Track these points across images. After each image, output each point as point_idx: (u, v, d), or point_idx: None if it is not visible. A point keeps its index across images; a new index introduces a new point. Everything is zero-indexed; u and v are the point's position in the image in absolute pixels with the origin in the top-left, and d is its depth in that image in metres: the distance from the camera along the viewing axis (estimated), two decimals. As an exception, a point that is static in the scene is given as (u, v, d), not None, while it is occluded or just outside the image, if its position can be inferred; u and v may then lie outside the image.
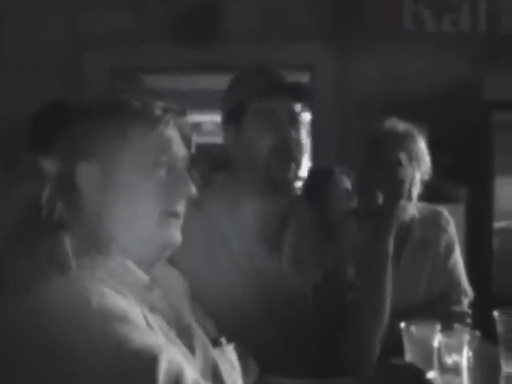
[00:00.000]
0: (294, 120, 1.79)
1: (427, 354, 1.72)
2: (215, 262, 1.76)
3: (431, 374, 1.63)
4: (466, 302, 2.33)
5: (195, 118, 9.34)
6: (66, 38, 4.25)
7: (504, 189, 3.83)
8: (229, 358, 1.43)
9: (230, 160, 1.87)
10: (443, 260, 2.33)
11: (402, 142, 2.22)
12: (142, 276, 1.27)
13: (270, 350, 1.67)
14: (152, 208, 1.27)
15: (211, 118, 9.35)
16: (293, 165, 1.78)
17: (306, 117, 1.86)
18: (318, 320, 1.78)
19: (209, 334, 1.42)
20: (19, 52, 4.24)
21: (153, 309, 1.25)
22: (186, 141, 1.38)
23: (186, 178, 1.31)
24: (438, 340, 1.75)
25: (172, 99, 1.37)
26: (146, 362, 1.09)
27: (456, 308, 2.28)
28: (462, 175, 3.90)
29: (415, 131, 2.30)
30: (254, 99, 1.77)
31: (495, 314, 1.75)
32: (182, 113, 1.36)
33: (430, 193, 3.61)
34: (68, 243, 1.20)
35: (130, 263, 1.26)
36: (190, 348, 1.31)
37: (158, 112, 1.30)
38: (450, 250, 2.34)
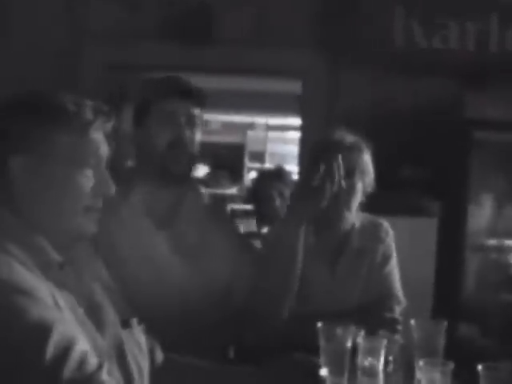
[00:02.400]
0: (191, 122, 2.07)
1: (340, 355, 1.81)
2: (120, 244, 1.98)
3: (323, 371, 1.72)
4: (397, 309, 2.41)
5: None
6: (64, 33, 4.35)
7: (477, 205, 3.89)
8: (136, 340, 1.56)
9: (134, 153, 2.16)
10: (378, 269, 2.42)
11: (347, 152, 2.30)
12: (56, 256, 1.41)
13: (169, 326, 1.83)
14: (76, 202, 1.43)
15: (217, 118, 9.52)
16: (186, 159, 2.05)
17: (202, 118, 2.14)
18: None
19: (121, 315, 1.55)
20: (23, 45, 4.35)
21: (62, 286, 1.39)
22: (109, 141, 1.52)
23: (108, 179, 1.48)
24: (351, 342, 1.84)
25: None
26: (39, 333, 1.21)
27: (387, 314, 2.37)
28: (438, 190, 3.97)
29: (362, 144, 2.39)
30: (157, 101, 2.05)
31: (412, 321, 1.83)
32: (110, 115, 1.50)
33: (404, 205, 3.71)
34: None
35: (46, 244, 1.40)
36: (98, 326, 1.44)
37: (89, 116, 1.45)
38: (386, 259, 2.43)
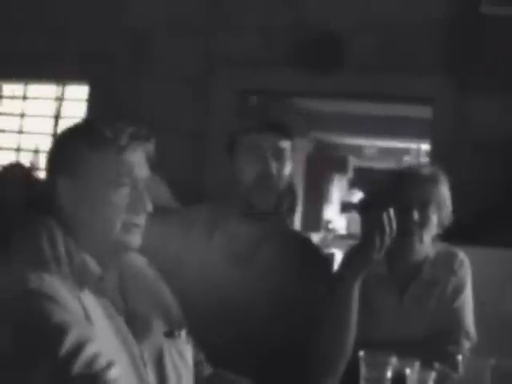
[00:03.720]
0: (278, 155, 2.01)
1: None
2: (191, 269, 1.99)
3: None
4: (466, 344, 2.33)
5: (356, 141, 9.52)
6: (200, 60, 4.56)
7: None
8: (179, 350, 1.66)
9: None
10: (449, 301, 2.36)
11: (421, 184, 2.30)
12: (96, 269, 1.55)
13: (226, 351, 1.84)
14: (113, 219, 1.57)
15: (373, 143, 9.52)
16: (273, 195, 2.00)
17: (289, 151, 2.06)
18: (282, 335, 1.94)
19: (169, 323, 1.68)
20: (163, 69, 4.62)
21: (102, 295, 1.54)
22: (150, 162, 1.67)
23: (144, 198, 1.60)
24: (395, 372, 1.83)
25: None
26: (57, 332, 1.37)
27: (451, 348, 2.29)
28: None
29: (439, 175, 2.36)
30: (243, 134, 2.03)
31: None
32: (148, 138, 1.64)
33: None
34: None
35: (87, 257, 1.55)
36: (136, 333, 1.57)
37: (123, 141, 1.58)
38: (457, 292, 2.37)
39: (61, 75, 4.19)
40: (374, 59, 4.34)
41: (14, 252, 1.51)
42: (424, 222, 2.29)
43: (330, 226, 9.59)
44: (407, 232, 2.23)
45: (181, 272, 1.91)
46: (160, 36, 4.61)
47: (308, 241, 2.28)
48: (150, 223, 1.65)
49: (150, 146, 1.65)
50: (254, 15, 4.51)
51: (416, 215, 2.25)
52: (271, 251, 2.06)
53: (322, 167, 9.26)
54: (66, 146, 1.62)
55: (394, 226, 1.89)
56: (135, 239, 1.60)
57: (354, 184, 9.84)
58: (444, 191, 2.35)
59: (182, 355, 1.67)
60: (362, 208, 3.75)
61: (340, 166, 9.65)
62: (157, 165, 4.02)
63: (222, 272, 1.99)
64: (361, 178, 9.61)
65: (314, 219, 9.12)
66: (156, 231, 1.82)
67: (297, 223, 8.35)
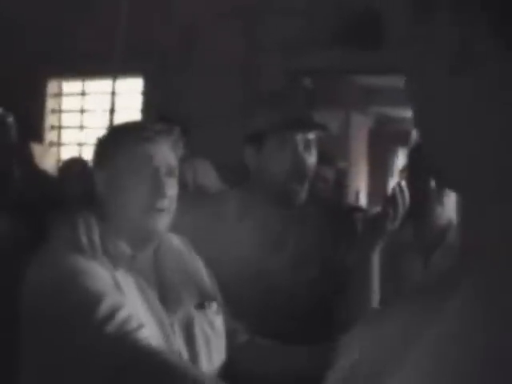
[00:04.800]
0: (308, 146, 2.08)
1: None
2: (226, 252, 2.06)
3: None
4: None
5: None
6: (244, 44, 4.68)
7: None
8: (210, 320, 1.82)
9: (248, 173, 2.19)
10: None
11: None
12: (126, 249, 1.73)
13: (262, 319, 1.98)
14: (140, 203, 1.72)
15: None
16: (305, 186, 2.08)
17: (314, 139, 2.11)
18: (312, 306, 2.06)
19: (201, 296, 1.83)
20: (206, 57, 4.76)
21: (134, 271, 1.71)
22: (176, 153, 1.81)
23: (163, 184, 1.74)
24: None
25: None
26: (93, 298, 1.56)
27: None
28: None
29: None
30: (274, 129, 2.07)
31: None
32: (170, 132, 1.79)
33: None
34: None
35: (119, 241, 1.72)
36: (166, 304, 1.73)
37: (144, 134, 1.75)
38: None
39: (115, 70, 4.36)
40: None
41: (55, 239, 1.69)
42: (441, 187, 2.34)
43: (397, 198, 9.56)
44: (427, 196, 2.31)
45: (217, 262, 1.97)
46: (207, 25, 4.74)
47: (340, 214, 2.36)
48: (184, 209, 1.80)
49: (174, 138, 1.80)
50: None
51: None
52: (302, 234, 2.14)
53: (384, 141, 9.27)
54: (100, 143, 1.83)
55: (407, 197, 1.98)
56: (160, 222, 1.73)
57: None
58: None
59: (213, 325, 1.81)
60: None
61: (403, 139, 9.62)
62: (209, 150, 4.20)
63: (256, 260, 2.08)
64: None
65: (379, 193, 9.13)
66: (188, 219, 1.97)
67: (362, 198, 8.41)
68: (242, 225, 2.13)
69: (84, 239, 1.66)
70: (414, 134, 10.04)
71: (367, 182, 8.77)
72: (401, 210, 1.98)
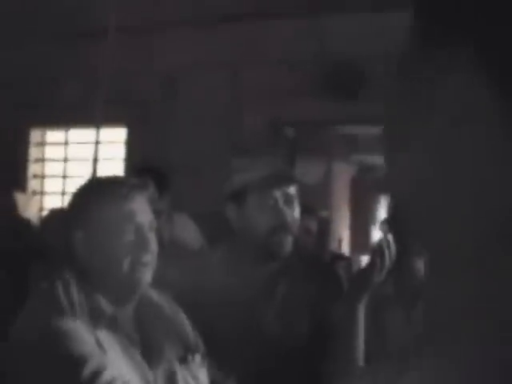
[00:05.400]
0: (289, 201, 2.10)
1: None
2: (214, 303, 2.06)
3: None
4: None
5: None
6: (227, 96, 4.74)
7: None
8: (194, 374, 1.82)
9: (230, 227, 2.19)
10: None
11: None
12: (107, 308, 1.72)
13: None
14: (121, 260, 1.73)
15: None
16: (289, 239, 2.10)
17: (296, 193, 2.14)
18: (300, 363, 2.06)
19: (184, 349, 1.83)
20: (189, 108, 4.80)
21: (115, 329, 1.71)
22: (153, 207, 1.83)
23: (148, 239, 1.75)
24: None
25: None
26: (78, 361, 1.57)
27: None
28: None
29: None
30: (255, 186, 2.09)
31: None
32: (146, 187, 1.83)
33: None
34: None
35: (100, 299, 1.72)
36: (149, 360, 1.74)
37: (124, 191, 1.76)
38: None
39: (98, 120, 4.39)
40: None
41: (36, 299, 1.70)
42: None
43: (380, 246, 9.60)
44: (407, 251, 2.34)
45: (203, 313, 1.95)
46: (191, 76, 4.79)
47: (324, 265, 2.38)
48: (171, 264, 1.81)
49: (150, 193, 1.84)
50: (282, 50, 4.67)
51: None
52: (289, 288, 2.15)
53: (367, 189, 9.33)
54: (76, 202, 1.83)
55: (393, 249, 2.01)
56: (144, 277, 1.75)
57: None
58: None
59: (197, 379, 1.81)
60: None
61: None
62: (192, 200, 4.21)
63: (244, 314, 2.09)
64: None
65: (362, 241, 9.16)
66: (174, 274, 1.98)
67: (345, 247, 8.42)
68: (229, 281, 2.13)
69: (64, 301, 1.66)
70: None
71: (350, 230, 8.80)
72: (387, 263, 2.01)
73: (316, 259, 2.38)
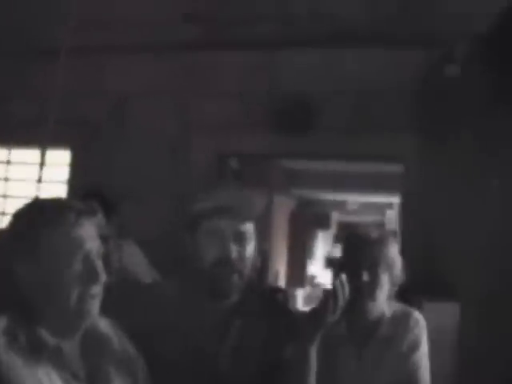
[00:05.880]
0: (239, 238, 2.07)
1: None
2: (166, 342, 2.04)
3: None
4: None
5: (339, 197, 9.69)
6: (177, 124, 4.73)
7: None
8: None
9: (183, 260, 2.17)
10: (405, 358, 2.44)
11: (370, 246, 2.42)
12: (51, 341, 1.63)
13: None
14: (69, 292, 1.64)
15: (355, 198, 9.68)
16: (235, 277, 2.07)
17: (252, 232, 2.11)
18: None
19: (133, 380, 1.77)
20: (140, 132, 4.79)
21: (59, 365, 1.62)
22: (101, 234, 1.74)
23: (97, 269, 1.66)
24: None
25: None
26: None
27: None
28: None
29: (387, 237, 2.49)
30: (205, 219, 2.08)
31: None
32: (94, 213, 1.72)
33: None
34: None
35: (44, 333, 1.63)
36: None
37: (71, 218, 1.65)
38: (413, 349, 2.45)
39: (43, 141, 4.34)
40: (346, 120, 4.53)
41: None
42: (374, 282, 2.40)
43: (316, 281, 9.68)
44: (360, 292, 2.36)
45: (156, 348, 1.96)
46: (139, 102, 4.78)
47: (277, 302, 2.36)
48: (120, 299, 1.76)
49: (98, 219, 1.72)
50: (231, 82, 4.70)
51: (366, 275, 2.38)
52: (243, 322, 2.13)
53: (305, 223, 9.40)
54: (20, 227, 1.67)
55: (347, 290, 2.02)
56: (92, 309, 1.67)
57: (338, 239, 9.96)
58: (392, 252, 2.47)
59: None
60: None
61: (323, 222, 9.80)
62: (138, 229, 4.17)
63: (197, 347, 2.06)
64: (344, 233, 9.73)
65: (299, 275, 9.21)
66: (125, 307, 1.94)
67: (282, 280, 8.44)
68: (183, 316, 2.10)
69: (2, 340, 1.56)
70: (335, 217, 10.23)
71: (287, 264, 8.84)
72: (341, 304, 2.02)
73: (269, 295, 2.36)
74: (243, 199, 2.13)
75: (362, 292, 2.36)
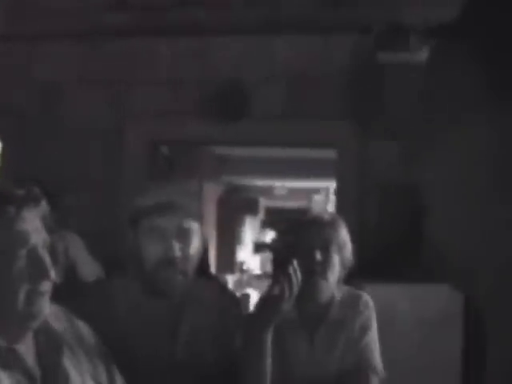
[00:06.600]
0: (182, 235, 1.99)
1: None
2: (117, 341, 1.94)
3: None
4: (375, 380, 2.47)
5: (267, 183, 9.75)
6: (109, 112, 4.67)
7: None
8: None
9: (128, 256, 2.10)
10: (356, 340, 2.49)
11: (321, 229, 2.45)
12: (2, 343, 1.51)
13: None
14: (17, 289, 1.50)
15: (283, 184, 9.76)
16: (179, 277, 2.00)
17: (196, 229, 2.03)
18: None
19: (94, 376, 1.68)
20: (72, 121, 4.70)
21: (10, 368, 1.51)
22: (46, 225, 1.59)
23: (45, 264, 1.52)
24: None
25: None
26: None
27: (361, 384, 2.44)
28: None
29: (338, 220, 2.52)
30: (145, 217, 2.01)
31: None
32: (37, 201, 1.55)
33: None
34: None
35: None
36: None
37: (12, 211, 1.49)
38: (363, 331, 2.50)
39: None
40: (279, 107, 4.55)
41: None
42: (326, 262, 2.43)
43: (245, 266, 9.73)
44: (312, 272, 2.38)
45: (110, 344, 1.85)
46: (70, 89, 4.70)
47: (223, 290, 2.36)
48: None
49: (43, 208, 1.57)
50: (164, 69, 4.66)
51: (319, 256, 2.40)
52: (191, 325, 2.09)
53: (233, 209, 9.42)
54: None
55: (299, 276, 2.02)
56: (42, 308, 1.54)
57: (265, 224, 10.03)
58: (343, 234, 2.51)
59: None
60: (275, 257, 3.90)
61: (251, 207, 9.84)
62: (72, 219, 4.11)
63: (146, 347, 2.02)
64: (272, 218, 9.82)
65: (228, 261, 9.23)
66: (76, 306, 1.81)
67: (211, 266, 8.45)
68: (131, 315, 2.06)
69: None
70: (263, 203, 10.28)
71: (216, 250, 8.85)
72: (296, 290, 2.02)
73: (215, 285, 2.35)
74: (185, 195, 2.07)
75: (315, 272, 2.38)
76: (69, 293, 1.87)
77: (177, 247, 1.98)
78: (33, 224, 1.52)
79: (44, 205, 1.57)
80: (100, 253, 3.80)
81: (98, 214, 4.48)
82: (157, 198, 2.02)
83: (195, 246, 2.03)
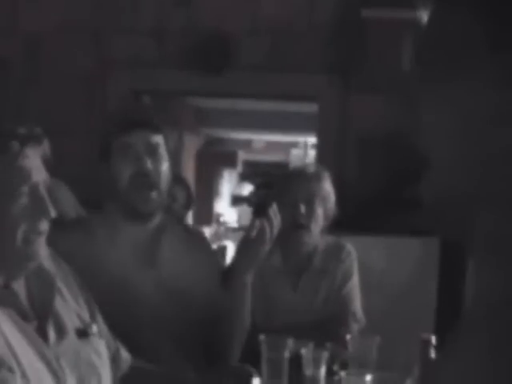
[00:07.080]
0: (152, 151, 2.02)
1: (278, 364, 2.01)
2: (99, 277, 2.00)
3: (256, 382, 1.92)
4: (355, 327, 2.56)
5: (245, 136, 9.75)
6: (92, 62, 4.65)
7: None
8: (95, 347, 1.69)
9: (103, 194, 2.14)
10: (338, 288, 2.57)
11: (306, 181, 2.51)
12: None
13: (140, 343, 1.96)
14: (15, 229, 1.49)
15: (261, 137, 9.77)
16: (153, 193, 2.03)
17: (164, 148, 2.06)
18: (188, 326, 2.08)
19: (82, 320, 1.70)
20: (52, 71, 4.67)
21: (5, 304, 1.52)
22: (47, 164, 1.59)
23: (45, 203, 1.52)
24: (295, 353, 2.04)
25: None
26: None
27: (341, 330, 2.51)
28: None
29: (322, 173, 2.58)
30: (115, 136, 2.04)
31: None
32: (41, 140, 1.56)
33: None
34: None
35: None
36: (46, 336, 1.58)
37: (15, 147, 1.49)
38: (345, 279, 2.59)
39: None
40: (262, 60, 4.56)
41: None
42: (311, 214, 2.50)
43: (222, 219, 9.78)
44: (296, 224, 2.44)
45: (91, 282, 1.87)
46: (53, 38, 4.66)
47: (202, 237, 2.40)
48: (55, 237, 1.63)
49: (44, 147, 1.57)
50: (146, 17, 4.63)
51: (303, 208, 2.46)
52: (170, 252, 2.13)
53: (211, 162, 9.44)
54: None
55: (279, 219, 2.06)
56: (39, 248, 1.55)
57: (243, 177, 10.05)
58: (327, 187, 2.57)
59: (98, 351, 1.68)
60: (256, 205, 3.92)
61: (229, 160, 9.86)
62: (56, 167, 4.11)
63: (128, 278, 2.05)
64: (250, 172, 9.85)
65: (206, 213, 9.27)
66: (60, 245, 1.81)
67: (189, 217, 8.48)
68: (114, 246, 2.09)
69: None
70: (241, 156, 10.31)
71: (194, 202, 8.88)
72: (275, 232, 2.07)
73: (190, 227, 2.39)
74: (148, 112, 2.15)
75: (299, 224, 2.45)
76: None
77: (148, 161, 2.00)
78: (35, 162, 1.52)
79: (46, 144, 1.57)
80: (84, 200, 3.81)
81: (81, 160, 4.48)
82: (125, 116, 2.08)
83: (165, 166, 2.05)
